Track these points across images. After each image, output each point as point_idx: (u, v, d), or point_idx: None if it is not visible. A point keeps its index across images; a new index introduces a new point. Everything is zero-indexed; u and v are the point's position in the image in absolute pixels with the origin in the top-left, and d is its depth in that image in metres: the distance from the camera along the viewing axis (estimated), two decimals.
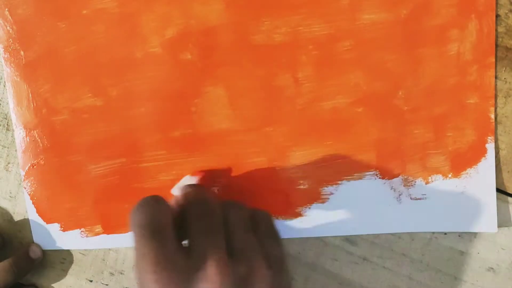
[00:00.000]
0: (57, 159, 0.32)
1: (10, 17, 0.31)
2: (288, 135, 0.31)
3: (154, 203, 0.25)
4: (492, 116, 0.29)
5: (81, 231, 0.33)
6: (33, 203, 0.33)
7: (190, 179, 0.31)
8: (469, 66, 0.29)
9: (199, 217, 0.26)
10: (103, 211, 0.33)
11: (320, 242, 0.32)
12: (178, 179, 0.32)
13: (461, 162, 0.30)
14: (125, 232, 0.33)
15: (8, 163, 0.34)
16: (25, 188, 0.33)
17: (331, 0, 0.29)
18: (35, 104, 0.32)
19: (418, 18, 0.29)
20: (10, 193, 0.34)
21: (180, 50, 0.31)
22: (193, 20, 0.30)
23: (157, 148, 0.32)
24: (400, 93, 0.30)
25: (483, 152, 0.30)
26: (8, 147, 0.34)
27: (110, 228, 0.33)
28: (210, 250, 0.24)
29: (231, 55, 0.30)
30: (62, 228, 0.33)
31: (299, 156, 0.31)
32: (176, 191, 0.29)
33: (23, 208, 0.34)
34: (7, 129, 0.33)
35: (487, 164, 0.30)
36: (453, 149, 0.30)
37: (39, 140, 0.32)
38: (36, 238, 0.34)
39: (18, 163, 0.33)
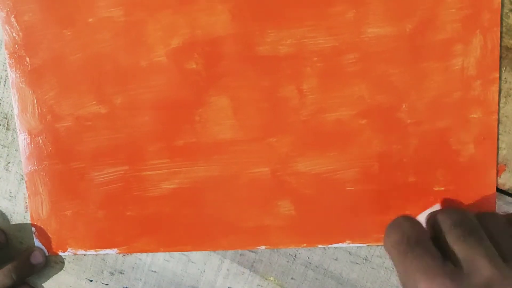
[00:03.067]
0: (61, 166, 0.33)
1: (16, 23, 0.31)
2: (292, 146, 0.31)
3: (406, 221, 0.26)
4: (495, 131, 0.29)
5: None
6: (35, 208, 0.33)
7: (433, 208, 0.30)
8: (473, 81, 0.29)
9: (456, 223, 0.25)
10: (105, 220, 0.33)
11: None
12: (181, 188, 0.32)
13: (462, 176, 0.30)
14: (126, 244, 0.33)
15: (8, 162, 0.34)
16: (28, 193, 0.33)
17: (336, 13, 0.29)
18: (40, 111, 0.32)
19: (423, 32, 0.29)
20: (10, 192, 0.34)
21: (185, 59, 0.31)
22: (199, 30, 0.30)
23: (160, 156, 0.32)
24: (404, 106, 0.30)
25: (485, 166, 0.30)
26: (8, 147, 0.34)
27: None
28: (479, 254, 0.23)
29: (236, 66, 0.30)
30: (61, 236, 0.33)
31: (302, 167, 0.31)
32: (423, 217, 0.29)
33: (23, 208, 0.34)
34: (7, 129, 0.33)
35: (489, 181, 0.30)
36: (455, 162, 0.30)
37: (43, 146, 0.33)
38: (38, 243, 0.34)
39: (18, 162, 0.34)
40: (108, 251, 0.34)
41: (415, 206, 0.31)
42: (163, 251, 0.33)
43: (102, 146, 0.32)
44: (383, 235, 0.31)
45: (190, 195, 0.32)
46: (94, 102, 0.32)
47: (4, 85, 0.33)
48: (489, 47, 0.29)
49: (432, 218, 0.27)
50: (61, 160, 0.33)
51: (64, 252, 0.34)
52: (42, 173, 0.33)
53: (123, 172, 0.32)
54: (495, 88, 0.29)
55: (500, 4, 0.28)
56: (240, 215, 0.32)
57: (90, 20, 0.31)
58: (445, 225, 0.26)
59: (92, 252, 0.34)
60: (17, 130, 0.33)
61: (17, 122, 0.32)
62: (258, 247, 0.33)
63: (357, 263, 0.32)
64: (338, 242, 0.32)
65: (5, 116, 0.33)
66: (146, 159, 0.32)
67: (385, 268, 0.32)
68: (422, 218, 0.29)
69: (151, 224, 0.33)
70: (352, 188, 0.31)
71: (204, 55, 0.31)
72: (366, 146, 0.30)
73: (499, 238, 0.25)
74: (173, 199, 0.32)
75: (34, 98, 0.32)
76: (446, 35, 0.29)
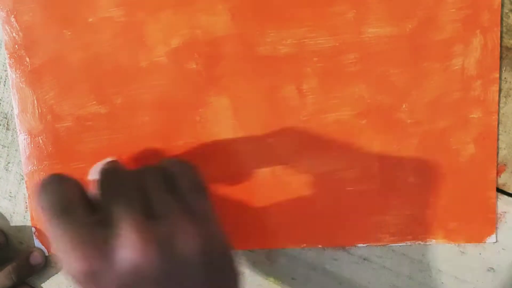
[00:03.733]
0: (61, 166, 0.33)
1: (16, 23, 0.31)
2: (292, 146, 0.31)
3: (59, 181, 0.25)
4: (495, 131, 0.30)
5: None
6: (35, 208, 0.33)
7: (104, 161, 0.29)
8: (473, 81, 0.29)
9: (108, 186, 0.25)
10: None
11: None
12: None
13: (462, 176, 0.30)
14: None
15: (8, 162, 0.34)
16: (28, 193, 0.33)
17: (336, 13, 0.29)
18: (40, 111, 0.32)
19: (423, 32, 0.29)
20: (10, 192, 0.34)
21: (185, 59, 0.31)
22: (199, 30, 0.30)
23: (160, 157, 0.32)
24: (404, 106, 0.30)
25: (485, 166, 0.30)
26: (8, 147, 0.34)
27: None
28: (123, 215, 0.23)
29: (236, 66, 0.30)
30: None
31: (302, 167, 0.31)
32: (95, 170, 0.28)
33: (23, 208, 0.34)
34: (7, 129, 0.33)
35: (489, 181, 0.30)
36: (455, 162, 0.30)
37: (43, 146, 0.33)
38: (38, 244, 0.34)
39: (18, 163, 0.34)
40: None
41: (415, 206, 0.31)
42: None
43: (102, 146, 0.32)
44: (383, 235, 0.31)
45: None
46: (94, 102, 0.32)
47: (4, 85, 0.33)
48: (489, 47, 0.29)
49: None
50: (61, 160, 0.33)
51: None
52: (42, 173, 0.33)
53: None
54: (495, 88, 0.29)
55: (500, 4, 0.28)
56: (239, 215, 0.32)
57: (90, 20, 0.31)
58: (101, 182, 0.26)
59: None
60: (17, 130, 0.33)
61: (17, 122, 0.32)
62: (257, 248, 0.33)
63: (357, 263, 0.32)
64: (338, 242, 0.32)
65: (5, 116, 0.33)
66: (146, 160, 0.32)
67: (385, 268, 0.32)
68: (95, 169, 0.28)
69: None
70: (352, 188, 0.31)
71: (204, 55, 0.31)
72: (366, 146, 0.31)
73: (150, 195, 0.25)
74: None
75: (34, 98, 0.32)
76: (446, 35, 0.29)
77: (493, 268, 0.31)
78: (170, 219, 0.24)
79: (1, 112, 0.33)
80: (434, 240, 0.31)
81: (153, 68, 0.31)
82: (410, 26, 0.29)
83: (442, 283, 0.32)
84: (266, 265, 0.33)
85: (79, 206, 0.24)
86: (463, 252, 0.31)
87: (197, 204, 0.26)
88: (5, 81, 0.33)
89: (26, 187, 0.33)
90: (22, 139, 0.33)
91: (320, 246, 0.32)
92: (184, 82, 0.31)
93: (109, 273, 0.22)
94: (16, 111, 0.32)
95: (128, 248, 0.22)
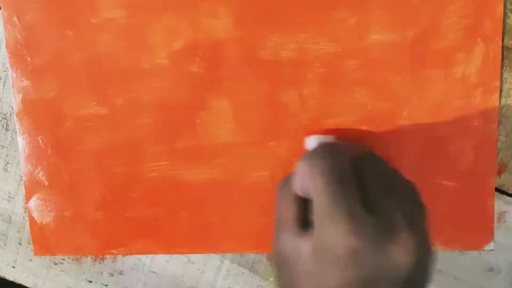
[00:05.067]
0: (61, 166, 0.33)
1: (18, 23, 0.31)
2: (292, 151, 0.31)
3: (339, 149, 0.24)
4: (495, 139, 0.30)
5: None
6: (34, 209, 0.33)
7: (327, 137, 0.29)
8: (473, 89, 0.29)
9: (380, 174, 0.25)
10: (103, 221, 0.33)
11: None
12: (180, 190, 0.32)
13: (461, 184, 0.30)
14: (124, 246, 0.33)
15: (7, 163, 0.34)
16: (26, 194, 0.33)
17: (338, 19, 0.29)
18: (40, 111, 0.32)
19: (425, 40, 0.29)
20: (9, 193, 0.34)
21: (187, 62, 0.31)
22: (201, 33, 0.30)
23: (160, 159, 0.32)
24: (404, 113, 0.30)
25: (484, 174, 0.30)
26: (7, 147, 0.34)
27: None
28: (398, 212, 0.23)
29: (238, 69, 0.30)
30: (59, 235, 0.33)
31: None
32: (314, 142, 0.28)
33: (22, 208, 0.34)
34: (6, 129, 0.33)
35: (488, 189, 0.30)
36: (454, 170, 0.30)
37: (43, 146, 0.32)
38: (35, 245, 0.34)
39: (17, 163, 0.34)
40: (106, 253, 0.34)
41: None
42: (161, 253, 0.33)
43: (102, 147, 0.32)
44: None
45: (190, 198, 0.32)
46: (95, 103, 0.32)
47: (4, 86, 0.33)
48: (491, 56, 0.29)
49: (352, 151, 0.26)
50: (61, 160, 0.32)
51: (62, 253, 0.34)
52: (41, 173, 0.33)
53: (122, 173, 0.32)
54: (496, 97, 0.29)
55: (502, 13, 0.28)
56: (239, 219, 0.32)
57: (93, 21, 0.31)
58: (369, 166, 0.25)
59: (89, 254, 0.34)
60: (17, 130, 0.32)
61: (16, 122, 0.32)
62: (257, 251, 0.33)
63: None
64: None
65: (4, 117, 0.33)
66: (146, 161, 0.32)
67: None
68: (314, 140, 0.28)
69: (149, 226, 0.33)
70: None
71: (206, 59, 0.31)
72: None
73: (370, 183, 0.24)
74: (173, 202, 0.32)
75: (35, 98, 0.32)
76: (448, 43, 0.29)
77: (493, 268, 0.31)
78: (426, 228, 0.24)
79: (1, 113, 0.33)
80: None
81: (155, 70, 0.31)
82: (412, 33, 0.29)
83: (442, 283, 0.32)
84: (266, 265, 0.33)
85: (354, 183, 0.24)
86: (463, 252, 0.32)
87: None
88: (4, 81, 0.33)
89: (25, 187, 0.33)
90: (21, 139, 0.33)
91: None
92: (185, 85, 0.31)
93: (369, 259, 0.22)
94: (16, 110, 0.32)
95: (400, 247, 0.22)
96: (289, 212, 0.25)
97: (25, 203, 0.34)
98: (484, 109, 0.29)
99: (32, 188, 0.33)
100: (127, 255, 0.34)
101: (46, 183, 0.33)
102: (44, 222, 0.33)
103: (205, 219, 0.32)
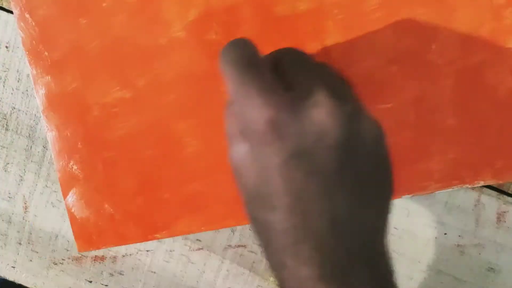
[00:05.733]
0: (93, 157, 0.32)
1: (31, 19, 0.31)
2: None
3: (247, 42, 0.24)
4: None
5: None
6: (71, 204, 0.33)
7: None
8: (503, 9, 0.28)
9: (296, 60, 0.25)
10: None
11: None
12: (216, 163, 0.31)
13: (503, 111, 0.29)
14: (167, 229, 0.33)
15: (7, 163, 0.34)
16: (62, 190, 0.33)
17: None
18: (65, 104, 0.32)
19: None
20: (9, 193, 0.34)
21: (205, 31, 0.30)
22: None
23: (191, 133, 0.31)
24: (434, 47, 0.29)
25: None
26: (7, 148, 0.34)
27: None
28: (315, 81, 0.23)
29: (256, 29, 0.30)
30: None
31: None
32: None
33: (21, 208, 0.34)
34: (6, 129, 0.33)
35: None
36: (494, 98, 0.29)
37: (72, 139, 0.32)
38: (78, 241, 0.34)
39: (17, 163, 0.33)
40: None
41: (458, 149, 0.30)
42: (205, 230, 0.33)
43: (131, 132, 0.32)
44: (427, 183, 0.30)
45: (228, 168, 0.31)
46: (118, 88, 0.31)
47: (4, 86, 0.33)
48: None
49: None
50: (92, 151, 0.32)
51: (107, 246, 0.34)
52: (74, 167, 0.33)
53: (155, 155, 0.32)
54: None
55: None
56: None
57: (104, 4, 0.31)
58: (282, 52, 0.26)
59: (134, 242, 0.33)
60: (45, 127, 0.32)
61: (43, 119, 0.32)
62: None
63: None
64: None
65: (4, 117, 0.33)
66: (177, 138, 0.31)
67: None
68: None
69: (190, 204, 0.32)
70: (390, 139, 0.30)
71: (222, 24, 0.30)
72: (399, 93, 0.30)
73: (327, 76, 0.25)
74: (210, 175, 0.32)
75: (58, 92, 0.32)
76: None
77: (492, 268, 0.31)
78: (356, 102, 0.24)
79: (1, 113, 0.33)
80: (482, 182, 0.30)
81: (173, 44, 0.30)
82: None
83: (442, 283, 0.31)
84: (267, 265, 0.33)
85: (264, 64, 0.24)
86: (463, 252, 0.31)
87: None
88: (4, 82, 0.33)
89: (60, 183, 0.33)
90: (50, 136, 0.32)
91: None
92: (206, 54, 0.30)
93: (292, 127, 0.22)
94: (41, 107, 0.32)
95: (321, 108, 0.22)
96: (229, 125, 0.25)
97: (25, 203, 0.34)
98: None
99: (67, 183, 0.33)
100: (172, 236, 0.33)
101: (81, 177, 0.33)
102: (84, 217, 0.33)
103: None
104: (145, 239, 0.33)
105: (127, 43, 0.31)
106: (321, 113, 0.22)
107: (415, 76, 0.29)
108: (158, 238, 0.33)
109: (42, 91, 0.32)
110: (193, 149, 0.31)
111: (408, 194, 0.31)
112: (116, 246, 0.34)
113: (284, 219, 0.22)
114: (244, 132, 0.23)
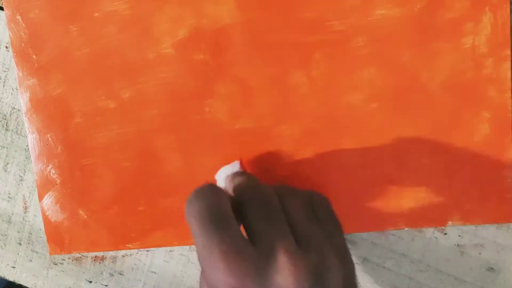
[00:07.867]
0: (71, 163, 0.32)
1: (22, 21, 0.31)
2: (302, 133, 0.31)
3: (212, 191, 0.24)
4: (509, 109, 0.29)
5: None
6: (46, 208, 0.33)
7: (233, 166, 0.30)
8: (484, 59, 0.29)
9: (257, 204, 0.25)
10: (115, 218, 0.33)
11: None
12: (193, 180, 0.31)
13: (477, 156, 0.30)
14: (139, 240, 0.33)
15: (7, 163, 0.34)
16: (39, 193, 0.33)
17: None
18: (48, 108, 0.32)
19: (432, 12, 0.29)
20: (9, 193, 0.34)
21: (193, 50, 0.30)
22: (205, 19, 0.30)
23: (170, 149, 0.32)
24: (415, 88, 0.30)
25: (500, 145, 0.30)
26: (7, 148, 0.34)
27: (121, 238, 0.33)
28: (276, 238, 0.23)
29: (244, 54, 0.30)
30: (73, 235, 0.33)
31: (313, 154, 0.31)
32: (221, 176, 0.28)
33: (21, 208, 0.34)
34: (6, 129, 0.33)
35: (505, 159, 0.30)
36: (469, 143, 0.30)
37: (52, 144, 0.32)
38: (50, 244, 0.34)
39: (17, 163, 0.33)
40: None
41: (430, 189, 0.30)
42: (177, 245, 0.33)
43: (112, 141, 0.32)
44: (398, 219, 0.31)
45: None
46: (103, 97, 0.32)
47: (4, 86, 0.33)
48: (499, 24, 0.28)
49: (234, 185, 0.26)
50: (71, 157, 0.32)
51: (78, 251, 0.34)
52: (52, 171, 0.33)
53: (133, 166, 0.32)
54: (508, 65, 0.29)
55: None
56: None
57: (96, 14, 0.31)
58: (247, 199, 0.25)
59: (105, 250, 0.33)
60: (26, 129, 0.32)
61: (25, 121, 0.32)
62: None
63: (357, 263, 0.32)
64: (351, 229, 0.31)
65: (4, 117, 0.33)
66: (157, 152, 0.32)
67: (385, 268, 0.32)
68: (221, 174, 0.29)
69: (164, 218, 0.32)
70: (365, 173, 0.31)
71: (211, 45, 0.30)
72: (378, 130, 0.30)
73: (296, 220, 0.25)
74: (186, 191, 0.32)
75: (42, 96, 0.32)
76: (455, 13, 0.29)
77: (492, 268, 0.31)
78: (320, 249, 0.24)
79: (1, 113, 0.33)
80: (450, 222, 0.31)
81: (161, 60, 0.31)
82: (418, 6, 0.29)
83: (442, 283, 0.32)
84: None
85: (231, 219, 0.23)
86: (463, 252, 0.31)
87: (337, 239, 0.26)
88: (4, 82, 0.33)
89: (37, 186, 0.33)
90: (31, 138, 0.32)
91: None
92: (192, 73, 0.31)
93: None
94: (24, 109, 0.32)
95: (284, 276, 0.22)
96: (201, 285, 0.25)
97: (25, 203, 0.34)
98: (496, 78, 0.29)
99: (44, 187, 0.33)
100: (143, 248, 0.33)
101: (58, 181, 0.33)
102: (58, 221, 0.33)
103: None
104: (117, 248, 0.33)
105: (115, 54, 0.31)
106: (284, 280, 0.22)
107: (394, 114, 0.30)
108: (130, 248, 0.33)
109: (26, 94, 0.32)
110: (171, 165, 0.32)
111: (378, 230, 0.31)
112: (87, 252, 0.34)
113: None
114: None
